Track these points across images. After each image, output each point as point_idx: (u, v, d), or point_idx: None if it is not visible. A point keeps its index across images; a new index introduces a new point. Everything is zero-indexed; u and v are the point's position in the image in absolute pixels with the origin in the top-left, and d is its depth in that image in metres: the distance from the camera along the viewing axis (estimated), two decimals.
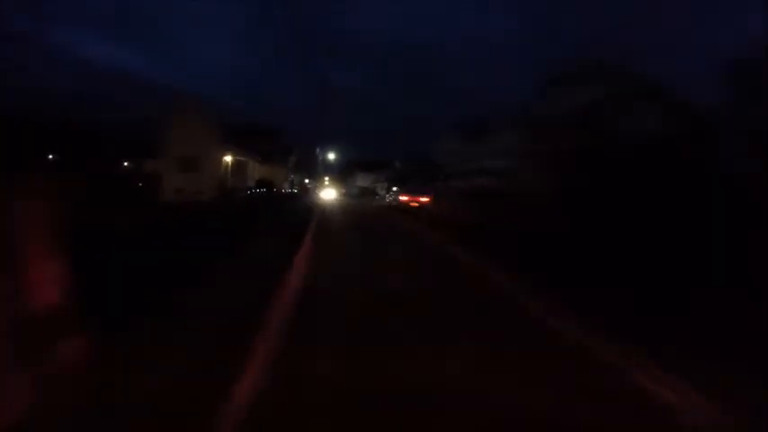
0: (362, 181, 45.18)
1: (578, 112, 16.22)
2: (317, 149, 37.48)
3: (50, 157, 27.27)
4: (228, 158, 24.05)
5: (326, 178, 39.36)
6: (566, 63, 22.07)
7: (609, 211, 9.12)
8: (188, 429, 1.71)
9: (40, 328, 1.98)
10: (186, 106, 22.88)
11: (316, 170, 38.46)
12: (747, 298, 3.90)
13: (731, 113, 11.07)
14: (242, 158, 25.69)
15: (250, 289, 3.95)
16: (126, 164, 27.61)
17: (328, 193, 32.63)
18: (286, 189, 33.24)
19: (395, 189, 27.79)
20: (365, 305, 3.62)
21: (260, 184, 26.00)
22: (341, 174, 45.63)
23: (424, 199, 17.77)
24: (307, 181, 39.94)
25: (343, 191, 37.84)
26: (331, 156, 38.10)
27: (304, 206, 19.90)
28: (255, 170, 27.23)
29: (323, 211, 16.54)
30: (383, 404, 1.93)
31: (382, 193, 34.96)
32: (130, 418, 1.78)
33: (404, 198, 19.77)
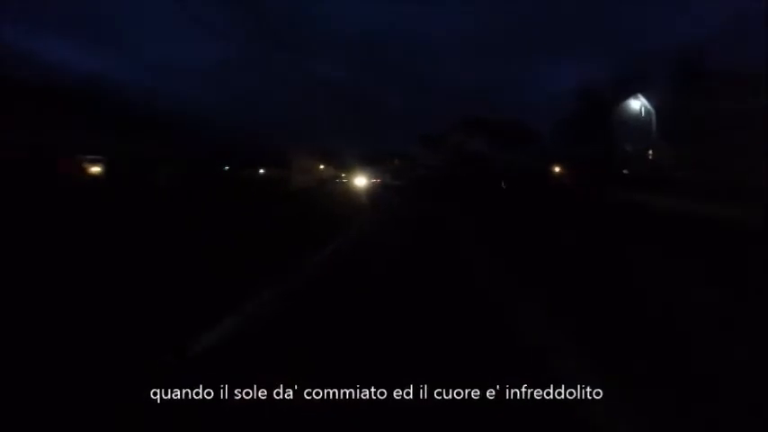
0: (372, 172, 76.27)
1: (456, 143, 47.66)
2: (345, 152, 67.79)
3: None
4: (322, 166, 54.87)
5: (358, 171, 69.56)
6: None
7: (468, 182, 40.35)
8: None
9: None
10: (303, 145, 53.48)
11: (345, 166, 68.57)
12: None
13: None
14: (325, 166, 56.75)
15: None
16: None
17: (360, 181, 62.75)
18: (344, 180, 63.79)
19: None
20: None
21: (334, 177, 56.69)
22: (360, 166, 76.41)
23: (377, 180, 54.42)
24: (343, 175, 70.12)
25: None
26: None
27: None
28: (331, 171, 57.78)
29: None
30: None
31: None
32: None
33: (374, 180, 55.10)
